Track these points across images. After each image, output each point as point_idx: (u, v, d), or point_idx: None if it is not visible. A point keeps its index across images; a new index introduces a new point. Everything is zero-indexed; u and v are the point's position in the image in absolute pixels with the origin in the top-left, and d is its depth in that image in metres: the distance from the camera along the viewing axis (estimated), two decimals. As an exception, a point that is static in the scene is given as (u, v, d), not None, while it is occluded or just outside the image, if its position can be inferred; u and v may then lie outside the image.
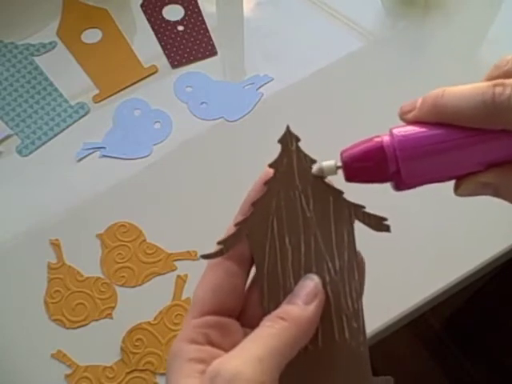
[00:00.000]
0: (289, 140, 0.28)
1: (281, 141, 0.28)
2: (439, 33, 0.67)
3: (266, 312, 0.26)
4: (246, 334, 0.26)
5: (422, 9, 0.69)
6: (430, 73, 0.64)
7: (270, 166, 0.28)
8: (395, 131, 0.25)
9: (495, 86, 0.23)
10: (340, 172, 0.27)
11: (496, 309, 1.10)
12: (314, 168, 0.27)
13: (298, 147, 0.28)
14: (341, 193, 0.28)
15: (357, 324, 0.27)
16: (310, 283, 0.27)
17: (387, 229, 0.27)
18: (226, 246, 0.27)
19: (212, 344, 0.26)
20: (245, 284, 0.28)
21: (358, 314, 0.27)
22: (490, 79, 0.25)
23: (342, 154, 0.26)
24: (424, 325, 1.10)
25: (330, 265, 0.27)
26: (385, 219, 0.27)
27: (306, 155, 0.28)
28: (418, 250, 0.53)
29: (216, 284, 0.27)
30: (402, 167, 0.25)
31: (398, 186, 0.27)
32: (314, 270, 0.27)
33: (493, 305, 1.09)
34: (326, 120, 0.60)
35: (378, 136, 0.26)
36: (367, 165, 0.26)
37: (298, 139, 0.28)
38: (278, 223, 0.27)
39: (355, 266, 0.27)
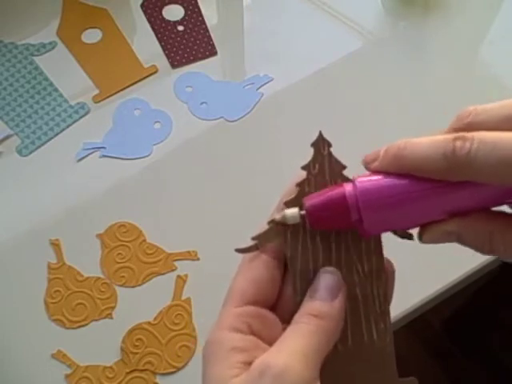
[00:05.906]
0: (321, 145, 0.28)
1: (314, 145, 0.28)
2: (439, 33, 0.67)
3: (299, 307, 0.27)
4: (280, 326, 0.27)
5: (422, 9, 0.69)
6: (430, 73, 0.64)
7: (303, 168, 0.28)
8: (358, 181, 0.25)
9: (455, 139, 0.23)
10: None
11: (496, 309, 1.10)
12: (278, 216, 0.28)
13: (330, 152, 0.28)
14: None
15: (384, 325, 0.28)
16: (330, 277, 0.27)
17: (410, 236, 0.28)
18: (260, 241, 0.28)
19: (254, 334, 0.26)
20: (282, 277, 0.28)
21: (385, 315, 0.28)
22: (452, 131, 0.25)
23: (304, 203, 0.27)
24: (424, 325, 1.10)
25: (359, 267, 0.28)
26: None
27: (337, 161, 0.28)
28: (418, 249, 0.53)
29: (257, 275, 0.28)
30: (364, 217, 0.25)
31: (362, 234, 0.27)
32: (344, 271, 0.28)
33: (493, 305, 1.09)
34: (326, 120, 0.60)
35: (341, 185, 0.26)
36: (329, 214, 0.26)
37: (330, 145, 0.28)
38: None
39: (382, 270, 0.28)
